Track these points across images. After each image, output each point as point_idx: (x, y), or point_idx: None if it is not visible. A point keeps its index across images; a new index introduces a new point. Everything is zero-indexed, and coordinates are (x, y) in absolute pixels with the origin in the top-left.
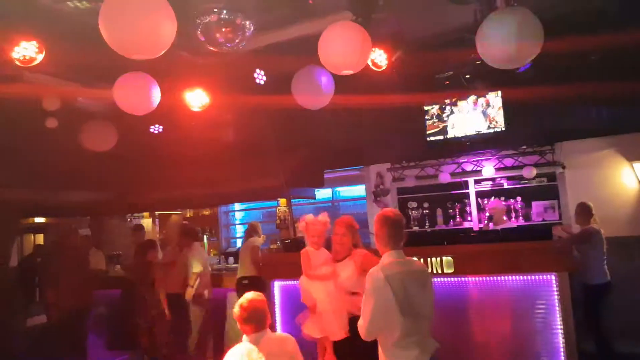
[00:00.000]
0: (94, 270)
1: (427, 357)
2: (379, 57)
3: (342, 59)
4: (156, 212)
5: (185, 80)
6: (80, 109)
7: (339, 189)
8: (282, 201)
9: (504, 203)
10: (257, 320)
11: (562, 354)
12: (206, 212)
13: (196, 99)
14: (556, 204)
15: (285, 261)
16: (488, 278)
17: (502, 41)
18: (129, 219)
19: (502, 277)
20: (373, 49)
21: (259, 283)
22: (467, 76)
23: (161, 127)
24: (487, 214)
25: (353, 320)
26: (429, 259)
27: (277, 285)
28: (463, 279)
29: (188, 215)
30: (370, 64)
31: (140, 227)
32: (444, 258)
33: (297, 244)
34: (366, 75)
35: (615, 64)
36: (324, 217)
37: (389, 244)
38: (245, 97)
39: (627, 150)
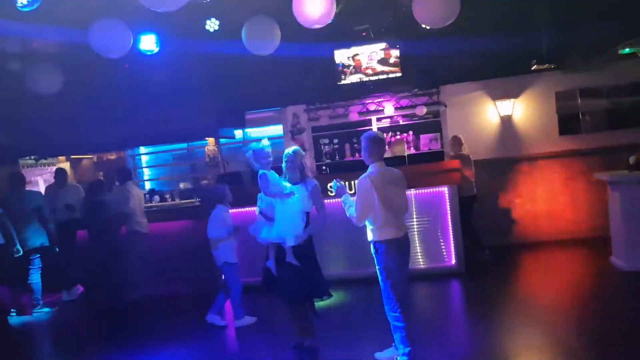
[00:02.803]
0: None
1: (401, 234)
2: None
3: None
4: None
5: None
6: None
7: (248, 130)
8: (210, 140)
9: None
10: None
11: (452, 246)
12: (111, 156)
13: (150, 43)
14: (439, 136)
15: None
16: None
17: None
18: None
19: (409, 192)
20: None
21: None
22: (382, 29)
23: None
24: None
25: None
26: (352, 182)
27: None
28: None
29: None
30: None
31: (63, 171)
32: None
33: (233, 176)
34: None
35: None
36: (266, 141)
37: (373, 158)
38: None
39: (492, 91)
